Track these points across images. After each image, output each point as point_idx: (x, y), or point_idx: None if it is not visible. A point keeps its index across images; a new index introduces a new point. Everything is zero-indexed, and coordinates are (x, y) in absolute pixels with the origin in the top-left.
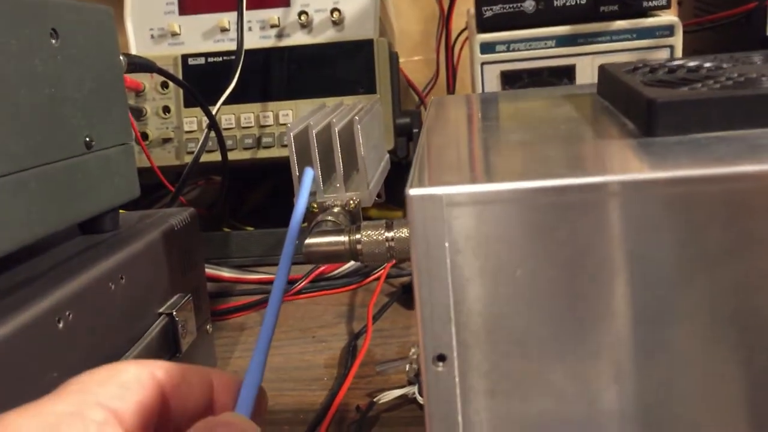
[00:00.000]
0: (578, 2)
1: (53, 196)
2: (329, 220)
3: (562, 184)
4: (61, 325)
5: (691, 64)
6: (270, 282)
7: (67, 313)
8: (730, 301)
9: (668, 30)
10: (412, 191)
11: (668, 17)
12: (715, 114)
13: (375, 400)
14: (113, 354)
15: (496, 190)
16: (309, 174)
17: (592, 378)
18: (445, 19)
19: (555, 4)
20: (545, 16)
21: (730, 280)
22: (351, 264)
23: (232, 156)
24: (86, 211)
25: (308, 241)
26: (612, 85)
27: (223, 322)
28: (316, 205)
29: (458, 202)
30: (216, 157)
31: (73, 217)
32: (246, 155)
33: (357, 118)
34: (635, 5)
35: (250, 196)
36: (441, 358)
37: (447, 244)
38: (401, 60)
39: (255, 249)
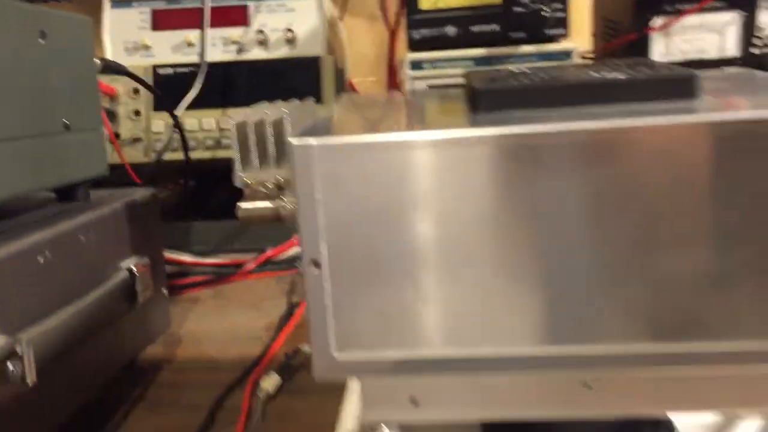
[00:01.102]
0: (492, 29)
1: (38, 162)
2: (260, 190)
3: (373, 140)
4: (41, 260)
5: (527, 71)
6: (222, 265)
7: (46, 252)
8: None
9: (567, 54)
10: (293, 140)
11: (568, 44)
12: (514, 97)
13: (301, 347)
14: (82, 290)
15: (341, 143)
16: None
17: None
18: (390, 43)
19: (472, 30)
20: (465, 40)
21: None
22: (296, 249)
23: (194, 155)
24: (64, 177)
25: (241, 205)
26: (466, 84)
27: (181, 296)
28: (251, 181)
29: (320, 148)
30: (181, 155)
31: (54, 182)
32: (207, 154)
33: (287, 110)
34: (539, 33)
35: (213, 193)
36: (316, 264)
37: (316, 181)
38: (357, 79)
39: (213, 238)
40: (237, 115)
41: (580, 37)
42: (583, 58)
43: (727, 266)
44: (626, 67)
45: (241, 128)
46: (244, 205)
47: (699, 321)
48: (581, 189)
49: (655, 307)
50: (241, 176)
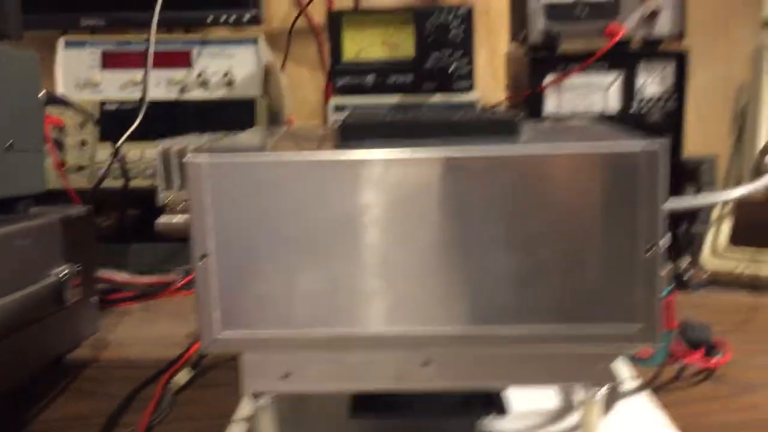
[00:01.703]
0: (406, 80)
1: None
2: (178, 208)
3: (244, 160)
4: None
5: (395, 112)
6: (154, 284)
7: None
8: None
9: (471, 104)
10: (187, 159)
11: (471, 95)
12: (372, 131)
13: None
14: (16, 288)
15: (224, 160)
16: None
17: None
18: (326, 90)
19: (389, 80)
20: (382, 87)
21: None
22: None
23: (136, 183)
24: (5, 191)
25: (159, 220)
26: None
27: (113, 309)
28: (170, 200)
29: (208, 164)
30: (122, 183)
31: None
32: (147, 182)
33: (206, 140)
34: (447, 85)
35: (152, 218)
36: (203, 256)
37: (204, 189)
38: (300, 122)
39: (148, 259)
40: (163, 144)
41: (500, 90)
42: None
43: (529, 265)
44: (474, 113)
45: (165, 154)
46: (162, 219)
47: (513, 308)
48: (418, 201)
49: (479, 296)
50: (163, 196)
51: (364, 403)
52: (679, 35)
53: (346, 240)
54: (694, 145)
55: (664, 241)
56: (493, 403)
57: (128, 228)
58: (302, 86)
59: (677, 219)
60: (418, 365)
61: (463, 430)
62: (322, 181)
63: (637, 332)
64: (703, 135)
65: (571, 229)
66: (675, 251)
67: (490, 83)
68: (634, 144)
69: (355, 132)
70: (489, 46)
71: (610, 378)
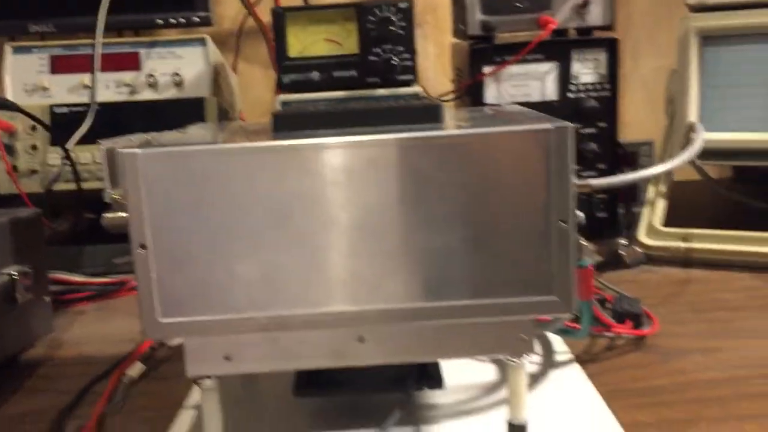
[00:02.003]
0: (351, 75)
1: None
2: (124, 204)
3: (179, 150)
4: None
5: (327, 102)
6: (109, 284)
7: None
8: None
9: (414, 97)
10: (122, 150)
11: (415, 88)
12: (303, 121)
13: (165, 342)
14: None
15: (158, 152)
16: None
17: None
18: (276, 88)
19: (334, 75)
20: (327, 83)
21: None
22: None
23: (88, 185)
24: None
25: (105, 215)
26: None
27: (67, 309)
28: (117, 197)
29: (142, 156)
30: (74, 186)
31: None
32: (98, 184)
33: (151, 138)
34: (391, 79)
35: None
36: (142, 246)
37: (140, 180)
38: (253, 121)
39: (103, 260)
40: (107, 142)
41: (448, 84)
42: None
43: (451, 242)
44: (404, 101)
45: (110, 152)
46: (108, 215)
47: (436, 284)
48: (345, 185)
49: (405, 274)
50: (109, 193)
51: (307, 381)
52: (610, 24)
53: (278, 225)
54: (640, 131)
55: (577, 215)
56: (429, 377)
57: (83, 230)
58: (254, 86)
59: (617, 200)
60: (353, 342)
61: (400, 404)
62: (252, 168)
63: (554, 303)
64: (648, 121)
65: (489, 206)
66: (614, 231)
67: (439, 78)
68: (545, 124)
69: (286, 122)
70: (437, 41)
71: (531, 348)
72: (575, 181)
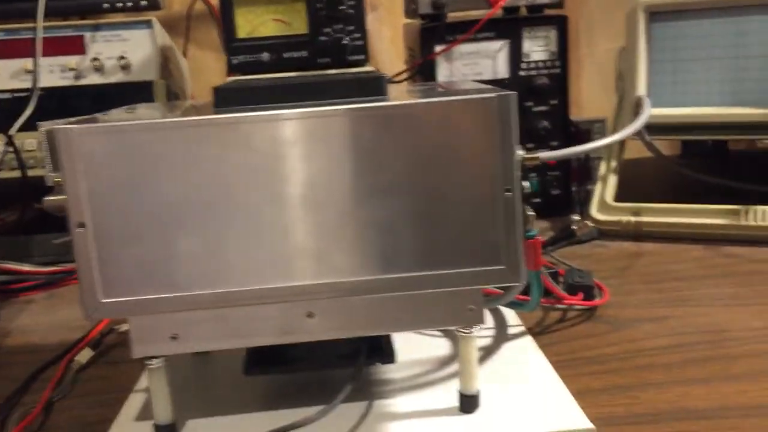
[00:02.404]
0: (301, 56)
1: None
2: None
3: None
4: None
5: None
6: (58, 272)
7: None
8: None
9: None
10: (56, 127)
11: (366, 68)
12: (244, 96)
13: (115, 327)
14: None
15: (94, 128)
16: None
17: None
18: (228, 72)
19: (284, 56)
20: (278, 64)
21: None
22: None
23: (33, 172)
24: None
25: (46, 198)
26: None
27: (16, 298)
28: (59, 180)
29: (78, 132)
30: (19, 173)
31: None
32: (44, 171)
33: (98, 117)
34: (342, 59)
35: None
36: (81, 225)
37: (76, 157)
38: (205, 100)
39: (50, 249)
40: (47, 124)
41: (402, 66)
42: (391, 81)
43: (397, 214)
44: (341, 75)
45: (50, 134)
46: (48, 198)
47: (384, 256)
48: (285, 159)
49: (352, 247)
50: (51, 176)
51: (258, 359)
52: (560, 1)
53: (222, 200)
54: (596, 110)
55: (522, 185)
56: (381, 352)
57: (31, 219)
58: (206, 70)
59: (570, 178)
60: (302, 317)
61: (350, 379)
62: (190, 143)
63: (503, 272)
64: (603, 101)
65: (435, 177)
66: (568, 208)
67: (394, 60)
68: (488, 94)
69: (227, 97)
70: (391, 23)
71: (481, 319)
72: (520, 152)
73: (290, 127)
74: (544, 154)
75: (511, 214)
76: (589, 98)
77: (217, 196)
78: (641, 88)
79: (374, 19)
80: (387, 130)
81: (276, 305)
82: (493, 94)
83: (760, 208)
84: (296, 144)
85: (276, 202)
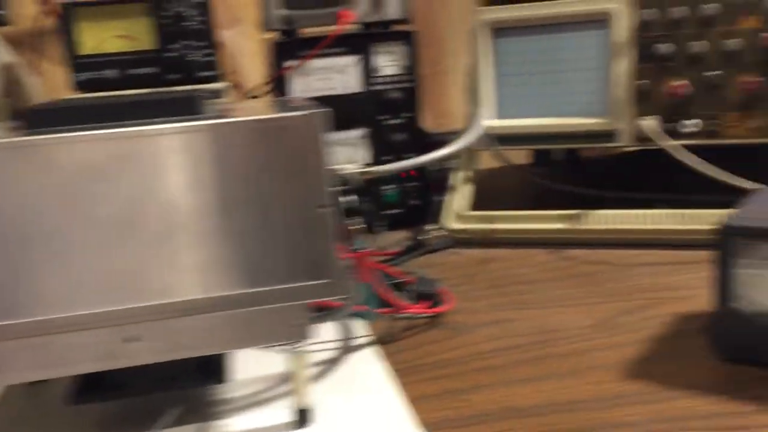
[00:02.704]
0: (149, 72)
1: None
2: None
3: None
4: None
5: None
6: None
7: None
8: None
9: (215, 93)
10: None
11: (217, 85)
12: (60, 116)
13: None
14: None
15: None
16: None
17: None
18: None
19: (131, 73)
20: (124, 81)
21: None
22: None
23: None
24: None
25: None
26: None
27: None
28: None
29: None
30: None
31: None
32: None
33: None
34: (191, 76)
35: None
36: None
37: None
38: None
39: None
40: None
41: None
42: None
43: (216, 233)
44: (160, 94)
45: None
46: None
47: (203, 276)
48: (95, 180)
49: (168, 269)
50: None
51: (85, 387)
52: (407, 18)
53: (28, 225)
54: (461, 123)
55: (337, 200)
56: (209, 372)
57: None
58: (60, 87)
59: (429, 189)
60: (121, 342)
61: (179, 401)
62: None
63: (328, 286)
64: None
65: (250, 194)
66: (425, 218)
67: (259, 75)
68: (295, 114)
69: (40, 118)
70: (255, 38)
71: (306, 335)
72: (332, 166)
73: (91, 149)
74: (380, 168)
75: (324, 230)
76: (456, 110)
77: (23, 220)
78: (486, 103)
79: (238, 34)
80: (191, 151)
81: (96, 331)
82: (298, 113)
83: (595, 212)
84: (102, 166)
85: (84, 224)
